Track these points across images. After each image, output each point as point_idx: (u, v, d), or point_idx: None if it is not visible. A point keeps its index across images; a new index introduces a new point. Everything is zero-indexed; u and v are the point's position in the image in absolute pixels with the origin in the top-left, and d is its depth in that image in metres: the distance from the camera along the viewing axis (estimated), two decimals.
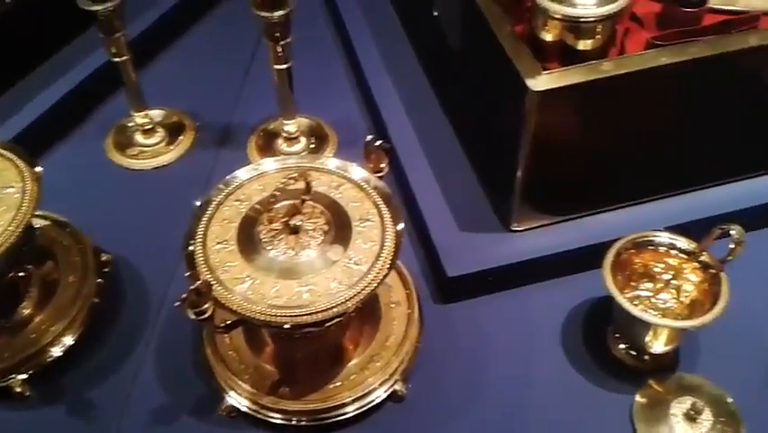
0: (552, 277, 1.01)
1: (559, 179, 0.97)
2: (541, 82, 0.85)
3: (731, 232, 0.83)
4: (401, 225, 0.83)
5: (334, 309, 0.75)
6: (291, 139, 1.18)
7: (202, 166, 1.17)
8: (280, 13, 1.00)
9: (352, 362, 0.90)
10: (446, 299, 1.00)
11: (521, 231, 1.02)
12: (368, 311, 0.94)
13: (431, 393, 0.92)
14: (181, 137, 1.23)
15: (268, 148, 1.19)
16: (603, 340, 0.95)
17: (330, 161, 0.89)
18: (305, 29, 1.41)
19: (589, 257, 0.92)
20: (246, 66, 1.34)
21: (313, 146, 1.19)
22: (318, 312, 0.75)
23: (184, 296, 0.71)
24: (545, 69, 0.87)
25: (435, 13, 1.15)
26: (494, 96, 0.96)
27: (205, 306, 0.73)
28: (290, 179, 0.76)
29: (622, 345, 0.93)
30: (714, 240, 0.86)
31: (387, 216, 0.84)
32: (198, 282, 0.71)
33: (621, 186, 1.01)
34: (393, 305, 0.95)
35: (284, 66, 1.07)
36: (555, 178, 0.96)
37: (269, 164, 0.88)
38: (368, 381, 0.88)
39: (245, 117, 1.26)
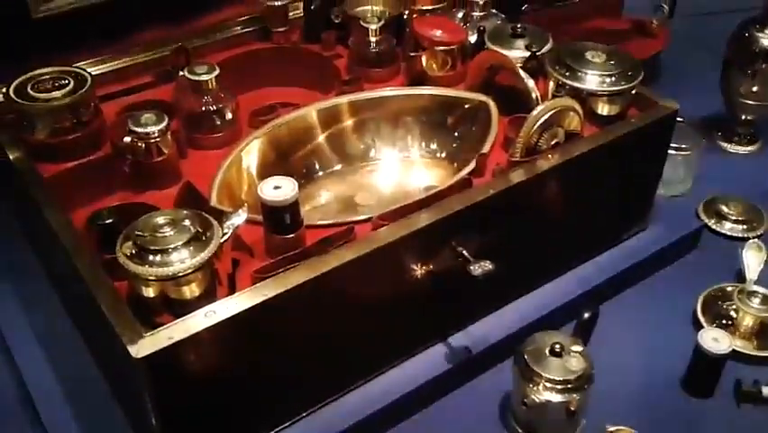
0: None
1: (203, 425, 0.92)
2: (143, 347, 0.82)
3: None
4: None
5: None
6: None
7: None
8: None
9: None
10: None
11: None
12: None
13: None
14: None
15: None
16: None
17: None
18: None
19: None
20: None
21: None
22: None
23: None
24: (154, 327, 0.84)
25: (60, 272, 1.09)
26: (113, 356, 0.91)
27: None
28: None
29: None
30: None
31: None
32: None
33: (269, 412, 0.99)
34: None
35: None
36: (198, 424, 0.92)
37: None
38: None
39: None
